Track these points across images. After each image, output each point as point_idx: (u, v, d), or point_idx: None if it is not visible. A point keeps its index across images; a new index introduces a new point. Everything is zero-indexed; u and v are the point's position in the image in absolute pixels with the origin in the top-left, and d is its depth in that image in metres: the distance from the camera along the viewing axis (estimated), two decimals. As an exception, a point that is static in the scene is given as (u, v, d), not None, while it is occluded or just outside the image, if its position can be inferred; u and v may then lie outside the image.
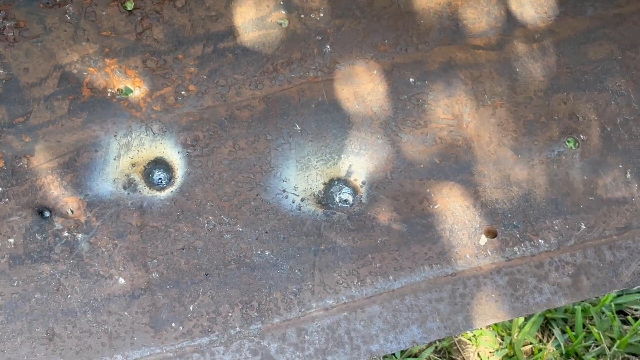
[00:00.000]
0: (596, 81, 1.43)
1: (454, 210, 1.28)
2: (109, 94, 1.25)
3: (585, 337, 2.21)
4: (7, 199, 1.21)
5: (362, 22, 1.35)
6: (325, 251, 1.28)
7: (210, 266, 1.25)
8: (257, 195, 1.28)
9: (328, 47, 1.33)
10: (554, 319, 2.26)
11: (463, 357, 2.20)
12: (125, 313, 1.21)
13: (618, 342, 2.18)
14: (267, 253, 1.27)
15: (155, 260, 1.23)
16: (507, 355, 2.19)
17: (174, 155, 1.27)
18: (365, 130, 1.33)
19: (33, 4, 1.22)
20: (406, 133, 1.34)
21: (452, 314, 1.28)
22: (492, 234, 1.28)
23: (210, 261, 1.25)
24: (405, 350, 2.14)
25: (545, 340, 2.24)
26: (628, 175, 1.37)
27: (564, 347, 2.18)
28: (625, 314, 2.30)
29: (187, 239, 1.25)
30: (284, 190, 1.29)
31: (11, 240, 1.20)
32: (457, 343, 2.21)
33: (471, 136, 1.36)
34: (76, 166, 1.24)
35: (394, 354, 2.12)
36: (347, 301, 1.27)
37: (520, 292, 1.28)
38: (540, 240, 1.29)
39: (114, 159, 1.25)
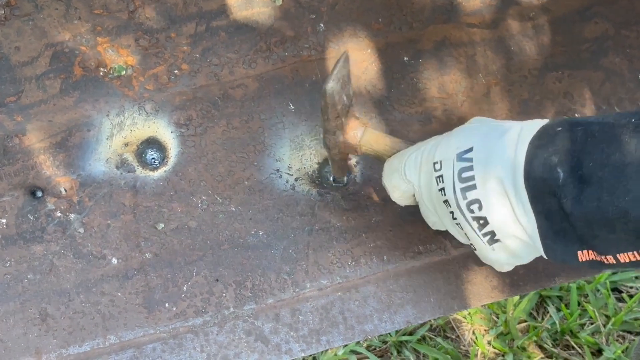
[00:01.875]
0: (591, 60, 1.42)
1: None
2: (101, 73, 1.25)
3: (580, 314, 2.22)
4: (-1, 179, 1.20)
5: (356, 1, 1.35)
6: (319, 231, 1.27)
7: (204, 246, 1.25)
8: (250, 175, 1.27)
9: (322, 25, 1.33)
10: (549, 297, 2.27)
11: (458, 335, 2.21)
12: (119, 294, 1.21)
13: (613, 319, 2.19)
14: (260, 233, 1.26)
15: (148, 241, 1.24)
16: (502, 332, 2.20)
17: (167, 135, 1.27)
18: (359, 110, 1.32)
19: (24, -18, 1.21)
20: (400, 112, 1.34)
21: (447, 293, 1.28)
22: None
23: (204, 241, 1.25)
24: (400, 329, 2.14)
25: (540, 318, 2.25)
26: (623, 154, 1.35)
27: (559, 324, 2.19)
28: (620, 292, 2.31)
29: (180, 219, 1.25)
30: (278, 170, 1.28)
31: (3, 220, 1.21)
32: (452, 321, 2.23)
33: (466, 115, 1.36)
34: (68, 146, 1.24)
35: (389, 333, 2.12)
36: (341, 281, 1.26)
37: (515, 271, 1.26)
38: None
39: (107, 139, 1.25)
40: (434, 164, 1.00)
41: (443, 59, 1.36)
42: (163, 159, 1.26)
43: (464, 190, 0.97)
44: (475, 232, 0.99)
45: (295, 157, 1.30)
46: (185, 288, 1.22)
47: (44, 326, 1.18)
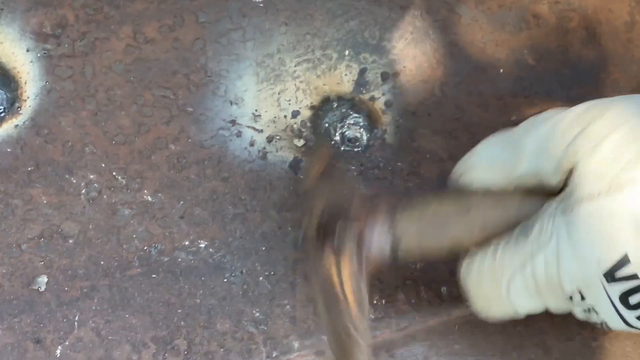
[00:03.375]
0: None
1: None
2: None
3: None
4: None
5: None
6: (315, 239, 1.12)
7: (93, 271, 1.04)
8: (180, 131, 1.09)
9: None
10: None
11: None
12: None
13: None
14: (202, 245, 1.07)
15: (-18, 260, 1.12)
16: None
17: (18, 56, 1.09)
18: (391, 3, 1.17)
19: None
20: (470, 8, 1.18)
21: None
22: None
23: (92, 261, 1.05)
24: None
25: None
26: None
27: None
28: None
29: (47, 219, 1.05)
30: (234, 121, 1.09)
31: None
32: None
33: (595, 12, 1.20)
34: None
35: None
36: None
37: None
38: None
39: None
40: (569, 297, 0.90)
41: None
42: (12, 103, 1.07)
43: None
44: None
45: (268, 96, 1.12)
46: (58, 352, 1.01)
47: None
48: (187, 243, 1.07)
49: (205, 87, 1.11)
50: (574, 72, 1.18)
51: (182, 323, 1.05)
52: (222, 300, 1.06)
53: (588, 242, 0.84)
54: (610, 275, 0.83)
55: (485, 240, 0.92)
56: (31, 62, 1.09)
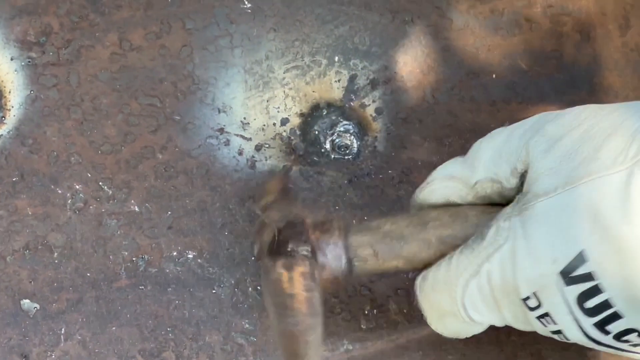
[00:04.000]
0: None
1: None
2: None
3: None
4: None
5: None
6: (305, 249, 1.11)
7: (79, 282, 1.04)
8: (168, 140, 1.08)
9: None
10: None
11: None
12: None
13: None
14: (190, 256, 1.07)
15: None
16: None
17: (2, 65, 1.08)
18: (381, 8, 1.16)
19: None
20: (462, 13, 1.17)
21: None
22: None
23: (78, 272, 1.05)
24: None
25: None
26: None
27: None
28: None
29: (32, 230, 1.05)
30: (222, 130, 1.09)
31: None
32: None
33: (589, 15, 1.20)
34: None
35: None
36: (352, 348, 1.07)
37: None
38: None
39: None
40: (523, 300, 0.87)
41: None
42: (-5, 112, 1.13)
43: (601, 324, 0.83)
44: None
45: (256, 103, 1.12)
46: (43, 366, 1.07)
47: None
48: (175, 254, 1.07)
49: (193, 95, 1.10)
50: (567, 77, 1.17)
51: (170, 335, 1.05)
52: (210, 312, 1.07)
53: (544, 240, 0.83)
54: (567, 276, 0.82)
55: (445, 254, 0.92)
56: (15, 70, 1.07)
